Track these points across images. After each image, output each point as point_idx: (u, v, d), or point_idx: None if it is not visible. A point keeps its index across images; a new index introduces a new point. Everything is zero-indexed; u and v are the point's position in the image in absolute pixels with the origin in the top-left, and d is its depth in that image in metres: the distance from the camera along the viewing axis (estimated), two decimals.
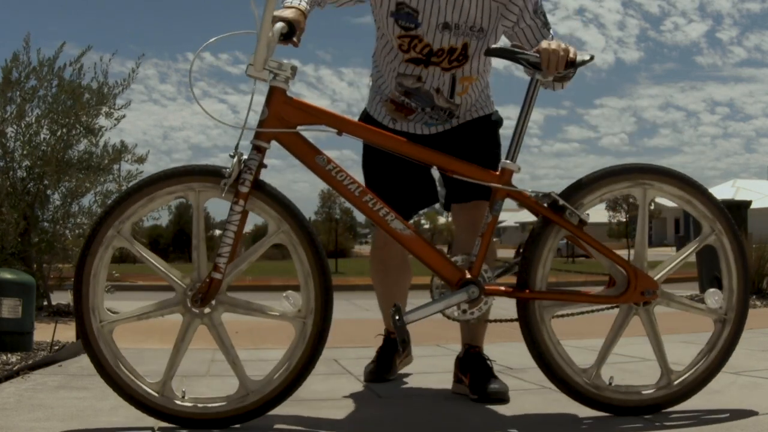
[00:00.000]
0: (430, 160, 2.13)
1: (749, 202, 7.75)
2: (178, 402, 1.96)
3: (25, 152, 5.81)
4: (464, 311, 2.03)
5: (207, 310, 1.95)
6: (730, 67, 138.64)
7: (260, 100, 2.03)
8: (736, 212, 7.29)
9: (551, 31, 2.33)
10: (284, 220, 1.96)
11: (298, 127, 2.01)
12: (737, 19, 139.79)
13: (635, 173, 2.09)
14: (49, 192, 5.98)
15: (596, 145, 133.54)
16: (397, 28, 2.35)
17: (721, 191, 39.50)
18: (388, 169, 2.44)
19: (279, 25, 1.99)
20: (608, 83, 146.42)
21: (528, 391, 2.38)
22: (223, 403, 1.95)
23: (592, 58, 2.11)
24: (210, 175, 1.95)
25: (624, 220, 41.33)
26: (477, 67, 2.41)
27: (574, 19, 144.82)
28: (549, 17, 2.35)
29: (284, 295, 1.97)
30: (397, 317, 1.97)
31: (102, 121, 6.06)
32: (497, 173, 2.05)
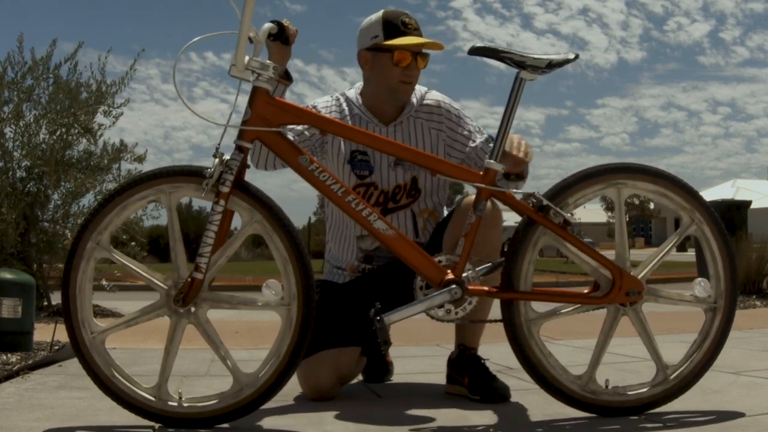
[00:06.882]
0: (415, 160, 2.11)
1: (749, 202, 7.75)
2: (174, 404, 1.95)
3: (24, 152, 5.81)
4: (448, 311, 2.02)
5: (191, 309, 1.94)
6: (732, 67, 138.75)
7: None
8: (736, 212, 7.31)
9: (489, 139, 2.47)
10: (256, 210, 1.95)
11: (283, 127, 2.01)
12: (740, 19, 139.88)
13: (607, 174, 2.06)
14: (48, 192, 5.99)
15: (597, 145, 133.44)
16: (353, 177, 2.46)
17: (722, 191, 39.51)
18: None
19: (267, 25, 2.05)
20: (610, 83, 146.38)
21: (528, 391, 2.38)
22: (217, 401, 1.95)
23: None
24: (177, 175, 1.96)
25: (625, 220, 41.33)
26: (432, 199, 2.51)
27: (577, 18, 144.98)
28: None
29: (264, 284, 1.94)
30: (377, 318, 1.95)
31: (100, 119, 6.07)
32: (481, 173, 2.04)
